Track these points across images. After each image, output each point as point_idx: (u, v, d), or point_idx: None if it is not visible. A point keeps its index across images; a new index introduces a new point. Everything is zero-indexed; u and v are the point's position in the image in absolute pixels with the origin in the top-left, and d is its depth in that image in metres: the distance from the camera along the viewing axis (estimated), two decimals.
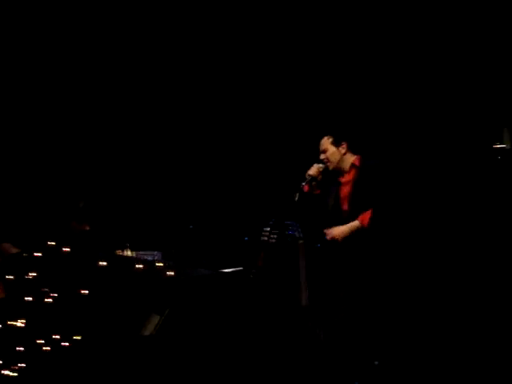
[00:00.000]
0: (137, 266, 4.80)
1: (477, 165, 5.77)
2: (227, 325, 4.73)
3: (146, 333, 4.62)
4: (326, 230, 5.12)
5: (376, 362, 5.16)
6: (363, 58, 6.14)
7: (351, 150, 5.20)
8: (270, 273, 5.24)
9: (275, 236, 5.35)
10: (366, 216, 5.00)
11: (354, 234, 5.01)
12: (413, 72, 6.00)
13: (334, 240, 5.08)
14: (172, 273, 4.76)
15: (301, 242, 5.32)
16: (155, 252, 5.12)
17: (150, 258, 5.02)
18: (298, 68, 6.31)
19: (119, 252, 5.14)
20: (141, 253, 5.11)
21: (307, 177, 5.17)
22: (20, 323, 4.75)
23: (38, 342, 4.66)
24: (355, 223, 5.03)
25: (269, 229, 5.34)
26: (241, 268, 5.08)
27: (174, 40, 6.53)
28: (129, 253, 5.15)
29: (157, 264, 4.84)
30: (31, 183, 6.36)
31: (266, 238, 5.31)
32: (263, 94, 6.43)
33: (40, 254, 4.79)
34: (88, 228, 5.58)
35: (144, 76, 6.54)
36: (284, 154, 6.36)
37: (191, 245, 6.07)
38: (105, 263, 4.74)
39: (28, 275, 4.80)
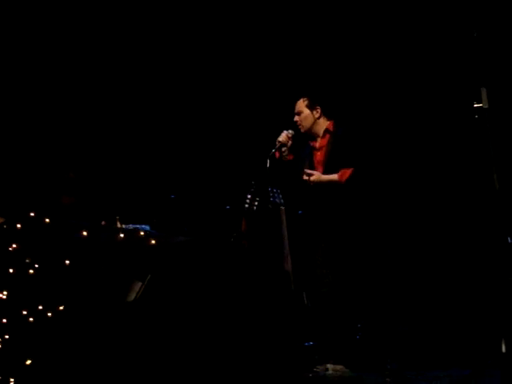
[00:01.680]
0: (118, 235, 4.82)
1: (455, 124, 5.81)
2: (209, 291, 4.75)
3: (129, 299, 4.65)
4: (306, 170, 5.12)
5: (359, 325, 5.23)
6: (345, 25, 6.12)
7: (325, 114, 5.21)
8: (253, 239, 5.27)
9: (256, 203, 5.37)
10: (346, 173, 5.01)
11: (327, 185, 5.04)
12: (390, 33, 5.99)
13: (307, 181, 5.09)
14: (153, 241, 4.77)
15: (282, 208, 5.36)
16: (144, 225, 5.14)
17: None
18: (279, 28, 6.27)
19: (104, 223, 5.14)
20: (130, 225, 5.12)
21: (277, 143, 5.19)
22: (2, 295, 4.76)
23: (22, 313, 4.67)
24: (333, 176, 5.06)
25: (250, 196, 5.37)
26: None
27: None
28: (118, 225, 5.15)
29: (138, 233, 4.86)
30: (20, 156, 6.35)
31: (247, 205, 5.35)
32: (240, 54, 6.39)
33: (21, 225, 4.79)
34: (74, 200, 5.59)
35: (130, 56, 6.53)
36: (260, 118, 6.37)
37: (173, 214, 6.08)
38: (86, 233, 4.75)
39: (10, 247, 4.80)
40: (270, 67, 6.38)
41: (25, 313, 4.67)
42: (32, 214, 4.83)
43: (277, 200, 5.41)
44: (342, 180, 5.04)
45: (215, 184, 6.43)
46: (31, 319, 4.65)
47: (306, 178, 5.11)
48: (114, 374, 4.46)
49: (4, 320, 4.72)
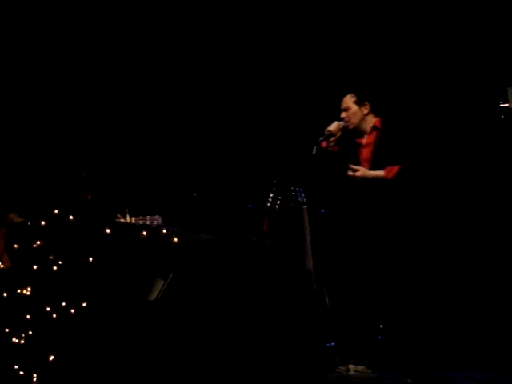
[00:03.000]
0: (141, 233, 4.84)
1: (481, 124, 5.76)
2: (232, 290, 4.75)
3: (151, 298, 4.66)
4: (351, 166, 5.03)
5: (381, 326, 5.19)
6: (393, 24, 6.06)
7: (373, 111, 5.12)
8: (275, 238, 5.26)
9: (279, 202, 5.36)
10: (393, 170, 4.94)
11: (374, 181, 4.95)
12: (419, 33, 5.94)
13: (352, 177, 4.98)
14: (176, 239, 4.79)
15: (304, 207, 5.34)
16: (155, 216, 5.12)
17: (150, 223, 5.02)
18: (324, 25, 6.22)
19: (119, 217, 5.16)
20: (141, 218, 5.12)
21: (326, 132, 5.08)
22: (26, 291, 4.80)
23: (46, 309, 4.71)
24: (380, 173, 4.97)
25: (272, 195, 5.35)
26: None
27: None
28: (128, 218, 5.15)
29: (161, 231, 4.88)
30: (35, 154, 6.39)
31: (269, 204, 5.33)
32: (286, 49, 6.34)
33: (45, 223, 4.83)
34: (90, 197, 5.62)
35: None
36: (284, 118, 6.35)
37: (196, 213, 6.09)
38: (109, 230, 4.78)
39: (34, 244, 4.84)
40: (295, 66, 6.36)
41: (48, 309, 4.71)
42: (56, 212, 4.88)
43: (299, 199, 5.40)
44: (389, 176, 4.95)
45: (237, 183, 6.42)
46: (54, 316, 4.69)
47: (351, 173, 5.01)
48: (135, 371, 4.48)
49: (28, 316, 4.76)
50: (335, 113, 5.20)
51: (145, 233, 4.84)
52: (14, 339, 4.78)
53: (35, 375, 4.71)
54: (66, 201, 5.46)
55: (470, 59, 5.84)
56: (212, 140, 6.52)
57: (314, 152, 5.01)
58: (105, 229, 4.78)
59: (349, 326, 5.02)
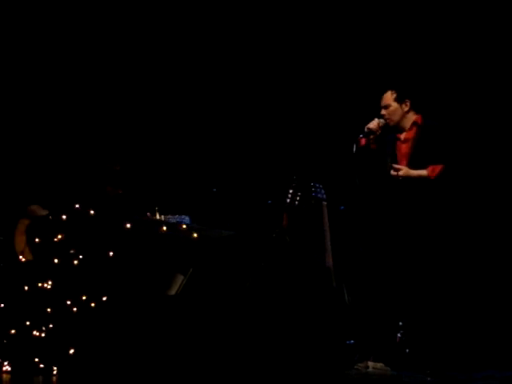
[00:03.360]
0: (161, 228, 4.86)
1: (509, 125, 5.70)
2: (252, 286, 4.76)
3: (171, 293, 4.68)
4: (394, 165, 4.93)
5: (400, 323, 5.18)
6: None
7: (413, 108, 5.03)
8: (295, 234, 5.25)
9: (298, 198, 5.35)
10: (436, 169, 4.85)
11: (416, 181, 4.86)
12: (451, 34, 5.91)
13: (395, 176, 4.88)
14: (195, 234, 4.80)
15: (324, 203, 5.33)
16: (183, 216, 5.15)
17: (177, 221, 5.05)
18: (364, 21, 6.16)
19: (149, 215, 5.17)
20: (169, 216, 5.14)
21: (366, 130, 4.98)
22: (47, 285, 4.83)
23: (66, 303, 4.75)
24: (423, 172, 4.87)
25: (292, 191, 5.34)
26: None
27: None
28: (157, 216, 5.18)
29: (180, 226, 4.89)
30: (67, 147, 6.43)
31: (289, 200, 5.32)
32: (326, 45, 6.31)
33: (66, 217, 4.86)
34: (121, 192, 5.63)
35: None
36: (303, 115, 6.33)
37: (216, 208, 6.10)
38: (129, 225, 4.80)
39: (55, 238, 4.87)
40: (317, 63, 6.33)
41: (69, 303, 4.75)
42: (77, 206, 4.90)
43: (319, 195, 5.39)
44: (432, 176, 4.86)
45: (257, 179, 6.42)
46: (75, 309, 4.72)
47: (393, 173, 4.90)
48: (154, 365, 4.50)
49: (48, 310, 4.80)
50: (366, 110, 5.16)
51: (165, 228, 4.86)
52: (34, 332, 4.83)
53: (55, 368, 4.76)
54: (95, 194, 5.48)
55: (498, 59, 5.79)
56: (233, 136, 6.53)
57: (355, 150, 4.90)
58: (125, 223, 4.80)
59: (368, 324, 5.01)
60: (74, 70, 6.52)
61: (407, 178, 4.89)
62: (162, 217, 5.17)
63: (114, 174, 5.64)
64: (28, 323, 4.84)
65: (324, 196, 5.41)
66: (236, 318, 4.57)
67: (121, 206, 5.47)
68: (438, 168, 4.87)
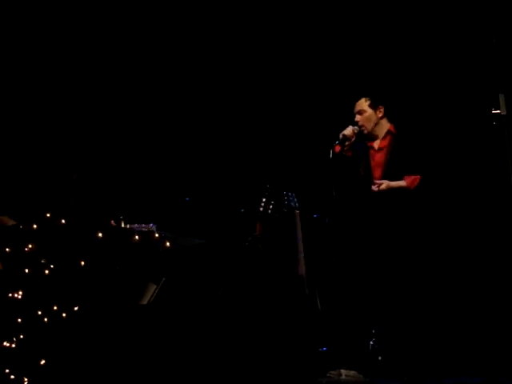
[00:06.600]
0: (133, 237, 4.83)
1: (472, 130, 5.77)
2: (223, 294, 4.76)
3: (143, 302, 4.66)
4: (375, 181, 4.91)
5: (373, 331, 5.21)
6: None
7: (387, 116, 5.04)
8: (268, 243, 5.27)
9: (271, 206, 5.37)
10: (415, 180, 4.87)
11: (396, 192, 4.88)
12: (409, 39, 5.97)
13: (375, 191, 4.87)
14: (168, 243, 4.78)
15: (297, 211, 5.35)
16: (150, 224, 5.11)
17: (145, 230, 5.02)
18: (337, 28, 6.19)
19: (113, 223, 5.14)
20: (135, 225, 5.10)
21: (341, 136, 4.96)
22: (18, 295, 4.78)
23: (37, 313, 4.70)
24: (402, 183, 4.88)
25: (265, 199, 5.36)
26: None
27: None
28: (122, 225, 5.14)
29: (153, 235, 4.87)
30: (26, 157, 6.37)
31: (262, 209, 5.34)
32: (296, 51, 6.31)
33: (37, 227, 4.82)
34: (73, 202, 5.58)
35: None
36: (277, 122, 6.35)
37: (188, 217, 6.08)
38: (101, 235, 4.77)
39: (26, 247, 4.83)
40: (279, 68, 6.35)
41: (40, 313, 4.70)
42: (48, 215, 4.86)
43: (292, 204, 5.41)
44: (412, 187, 4.88)
45: (230, 187, 6.42)
46: (46, 319, 4.68)
47: (375, 188, 4.89)
48: (126, 375, 4.47)
49: (19, 320, 4.75)
50: (339, 118, 5.18)
51: (137, 237, 4.83)
52: (5, 343, 4.77)
53: (26, 379, 4.70)
54: (58, 204, 5.44)
55: (463, 65, 5.86)
56: (205, 144, 6.52)
57: (331, 156, 4.89)
58: (97, 233, 4.77)
59: (341, 331, 5.02)
60: (33, 80, 6.44)
61: (388, 190, 4.90)
62: (128, 225, 5.12)
63: (72, 182, 5.60)
64: None
65: (297, 205, 5.43)
66: (208, 326, 4.56)
67: (83, 216, 5.42)
68: (417, 179, 4.89)
